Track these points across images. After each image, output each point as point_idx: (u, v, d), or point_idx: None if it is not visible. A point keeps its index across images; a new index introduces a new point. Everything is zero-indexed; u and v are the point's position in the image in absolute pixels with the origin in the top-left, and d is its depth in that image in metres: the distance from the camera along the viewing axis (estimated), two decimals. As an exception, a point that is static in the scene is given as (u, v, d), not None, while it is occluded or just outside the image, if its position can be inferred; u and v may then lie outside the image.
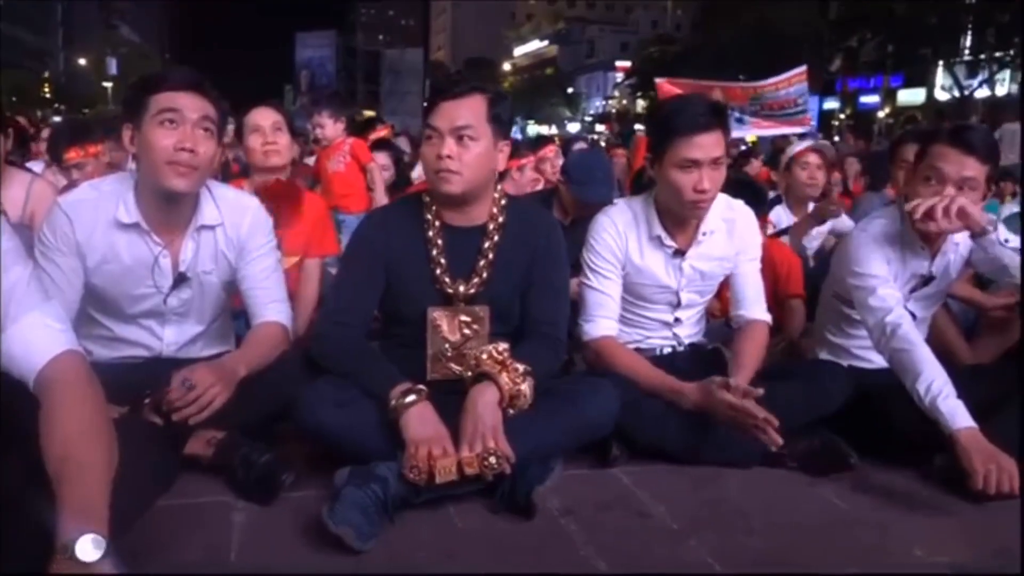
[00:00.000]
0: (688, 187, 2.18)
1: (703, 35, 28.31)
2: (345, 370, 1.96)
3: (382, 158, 4.77)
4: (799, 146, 4.01)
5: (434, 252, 2.05)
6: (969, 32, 21.39)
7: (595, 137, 30.50)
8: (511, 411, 1.89)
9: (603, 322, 2.31)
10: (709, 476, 2.12)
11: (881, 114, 27.73)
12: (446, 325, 2.07)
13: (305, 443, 2.01)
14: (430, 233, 2.06)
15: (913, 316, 2.39)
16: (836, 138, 18.25)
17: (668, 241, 2.31)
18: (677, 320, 2.41)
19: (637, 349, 2.36)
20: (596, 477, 2.10)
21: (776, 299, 2.99)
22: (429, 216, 2.08)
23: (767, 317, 2.40)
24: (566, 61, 62.12)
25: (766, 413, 1.99)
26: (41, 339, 1.38)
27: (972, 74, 22.44)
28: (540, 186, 4.20)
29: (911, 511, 1.98)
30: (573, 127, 51.05)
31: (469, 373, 1.93)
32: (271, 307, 2.17)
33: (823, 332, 2.61)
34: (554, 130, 48.34)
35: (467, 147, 1.95)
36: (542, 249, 2.09)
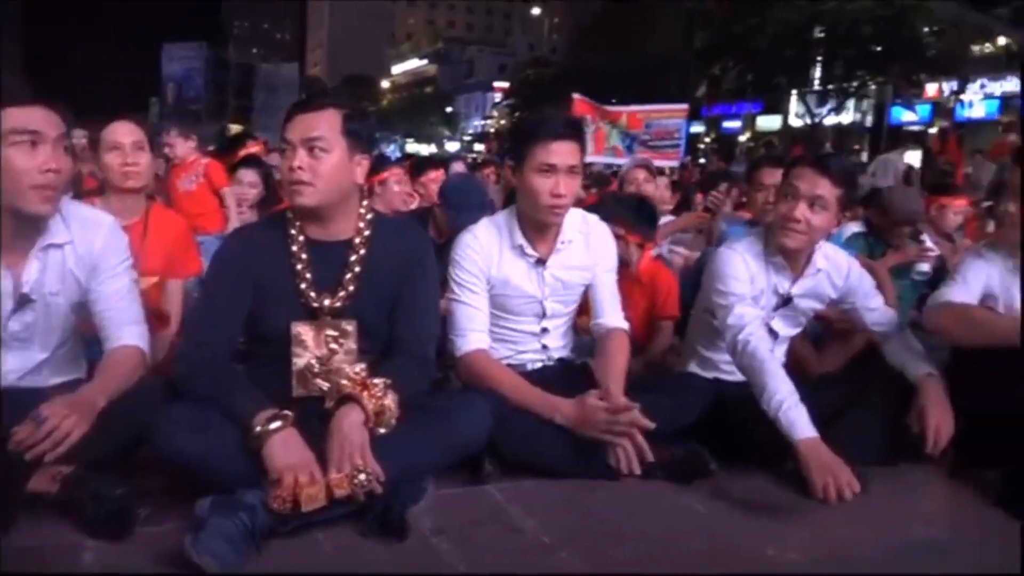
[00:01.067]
0: (546, 191, 2.27)
1: (578, 59, 29.14)
2: (208, 394, 1.88)
3: (250, 175, 4.62)
4: (626, 165, 4.34)
5: (299, 266, 2.01)
6: (819, 64, 23.02)
7: (474, 156, 30.77)
8: (380, 430, 1.86)
9: (474, 336, 2.33)
10: (581, 489, 2.15)
11: (742, 138, 29.35)
12: (311, 339, 2.03)
13: (163, 473, 1.90)
14: (294, 248, 2.03)
15: (775, 334, 2.55)
16: (702, 160, 19.26)
17: (529, 250, 2.39)
18: (544, 331, 2.47)
19: (508, 365, 2.39)
20: (468, 494, 2.10)
21: (650, 319, 3.11)
22: (293, 231, 2.04)
23: (625, 324, 2.49)
24: (445, 80, 62.44)
25: (647, 422, 2.08)
26: None
27: (822, 103, 24.16)
28: (415, 204, 4.19)
29: (765, 513, 2.09)
30: (452, 146, 51.22)
31: (331, 404, 1.91)
32: (127, 329, 2.06)
33: (694, 345, 2.72)
34: (433, 148, 48.45)
35: (319, 159, 1.94)
36: (412, 266, 2.09)
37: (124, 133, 2.74)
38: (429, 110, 55.21)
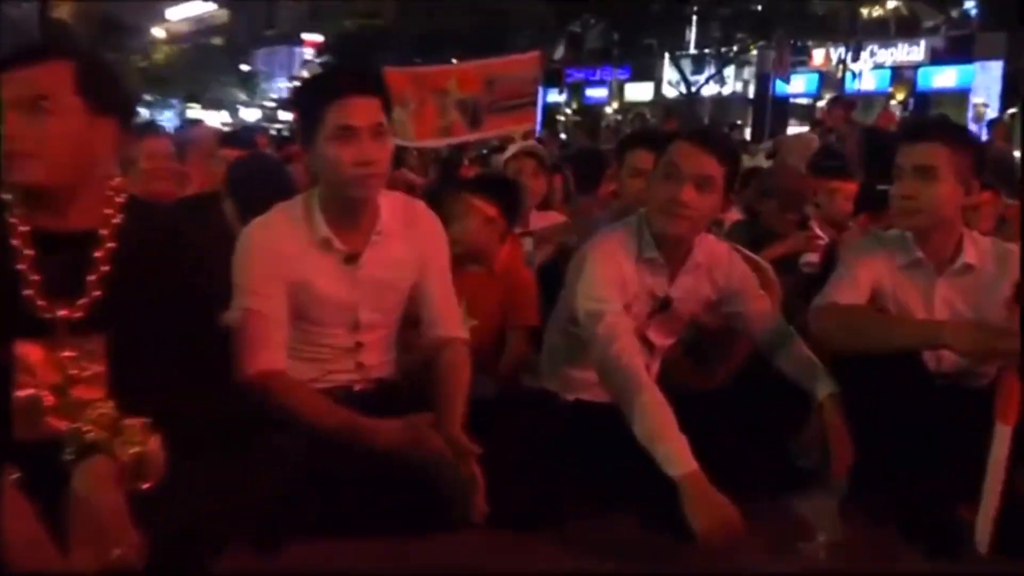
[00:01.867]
0: (347, 160, 2.23)
1: (412, 11, 29.16)
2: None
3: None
4: (511, 150, 4.27)
5: (21, 266, 1.86)
6: (693, 24, 24.34)
7: (280, 128, 30.07)
8: (143, 484, 1.75)
9: (267, 353, 2.27)
10: (410, 544, 2.14)
11: (609, 109, 30.48)
12: (41, 363, 1.88)
13: None
14: (15, 242, 1.87)
15: (651, 345, 2.62)
16: (563, 135, 19.73)
17: (338, 244, 2.35)
18: (359, 345, 2.44)
19: (316, 388, 2.34)
20: (266, 556, 2.04)
21: (501, 326, 3.12)
22: (13, 219, 1.88)
23: (464, 332, 2.51)
24: (240, 31, 60.70)
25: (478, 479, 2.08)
26: None
27: (698, 69, 25.50)
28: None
29: (635, 563, 2.15)
30: (251, 114, 49.89)
31: (69, 456, 1.77)
32: None
33: (554, 360, 2.75)
34: (225, 117, 46.92)
35: (42, 122, 1.81)
36: (184, 266, 1.98)
37: None
38: (219, 68, 53.44)
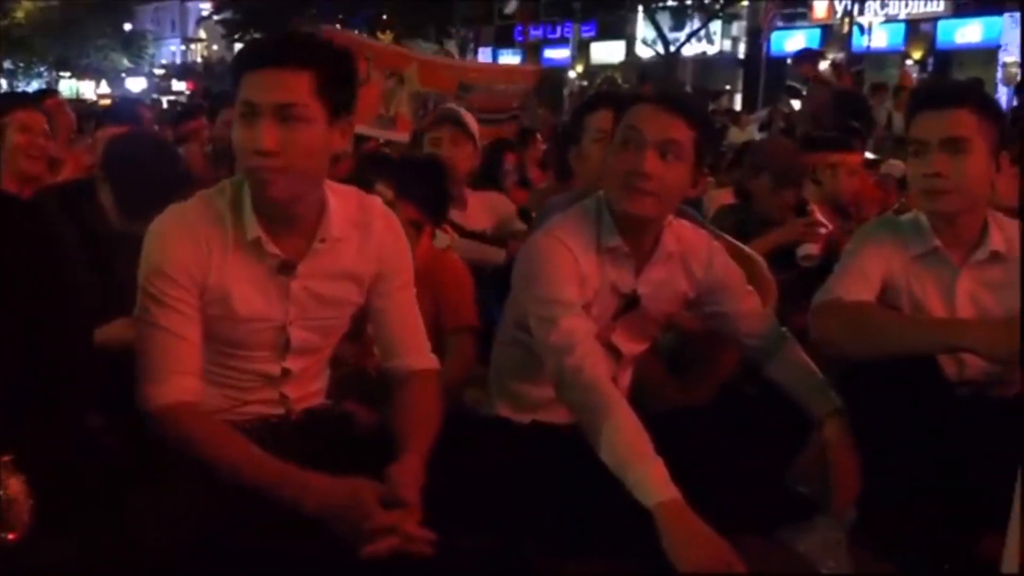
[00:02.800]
0: (246, 145, 2.17)
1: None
2: None
3: None
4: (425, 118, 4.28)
5: None
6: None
7: (173, 99, 29.71)
8: (6, 535, 1.76)
9: (179, 380, 2.22)
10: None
11: (572, 74, 30.58)
12: None
13: None
14: None
15: (618, 352, 2.65)
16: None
17: (271, 248, 2.28)
18: (286, 373, 2.40)
19: (227, 421, 2.31)
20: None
21: (438, 334, 3.11)
22: None
23: (433, 363, 2.48)
24: (121, -19, 60.04)
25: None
26: None
27: (679, 25, 25.69)
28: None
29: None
30: (136, 84, 49.27)
31: None
32: None
33: (501, 376, 2.77)
34: (105, 88, 46.28)
35: None
36: (48, 271, 1.98)
37: None
38: (95, 28, 52.67)
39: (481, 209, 4.55)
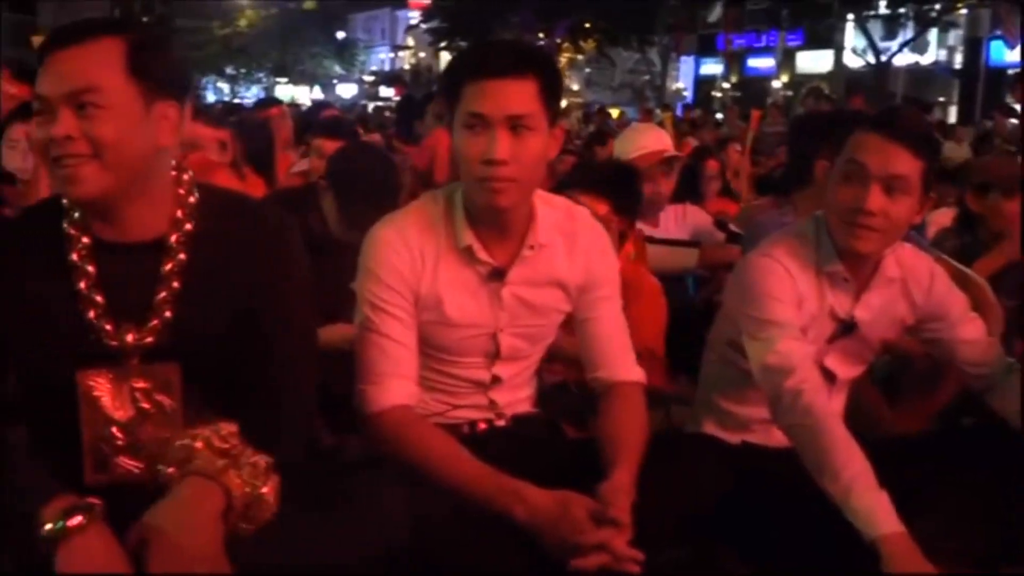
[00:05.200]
0: (474, 156, 2.19)
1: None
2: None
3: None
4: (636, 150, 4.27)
5: (82, 285, 1.94)
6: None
7: (379, 105, 30.66)
8: (245, 526, 1.82)
9: (396, 384, 2.28)
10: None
11: (776, 83, 29.99)
12: (110, 396, 1.97)
13: None
14: (74, 256, 1.95)
15: (832, 376, 2.58)
16: (719, 114, 19.51)
17: (483, 255, 2.33)
18: (496, 380, 2.44)
19: (438, 425, 2.36)
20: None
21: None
22: (73, 230, 1.96)
23: (640, 375, 2.47)
24: (335, -9, 62.29)
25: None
26: None
27: (890, 34, 24.83)
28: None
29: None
30: (347, 90, 51.06)
31: (170, 469, 1.84)
32: None
33: (709, 394, 2.73)
34: (318, 93, 48.14)
35: (92, 117, 1.85)
36: (265, 274, 2.02)
37: None
38: (310, 36, 54.88)
39: (673, 222, 4.53)
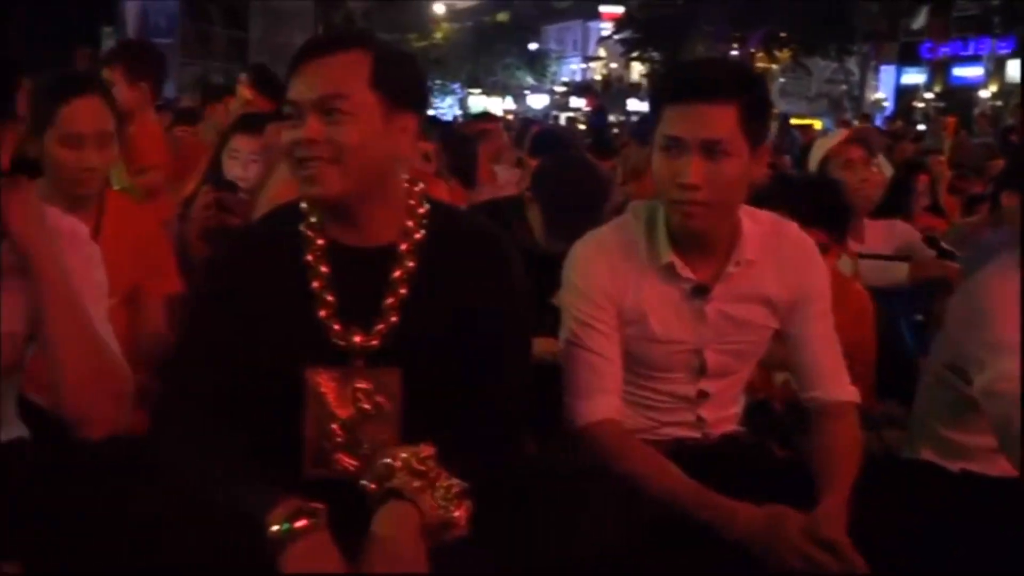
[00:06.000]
0: (669, 178, 2.21)
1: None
2: (188, 467, 1.93)
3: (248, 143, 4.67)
4: (834, 137, 4.13)
5: (315, 284, 2.03)
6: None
7: (570, 116, 30.87)
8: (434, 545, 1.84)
9: (602, 399, 2.30)
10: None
11: (984, 93, 28.68)
12: (334, 395, 2.03)
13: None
14: (309, 257, 2.04)
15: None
16: (921, 126, 18.79)
17: (684, 271, 2.32)
18: (702, 395, 2.43)
19: (644, 441, 2.35)
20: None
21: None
22: (309, 232, 2.05)
23: (854, 395, 2.42)
24: (527, 4, 62.92)
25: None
26: None
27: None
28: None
29: None
30: (538, 101, 51.50)
31: (372, 485, 1.89)
32: None
33: (927, 420, 2.65)
34: (510, 104, 48.74)
35: (338, 124, 1.93)
36: (487, 286, 2.06)
37: (87, 119, 2.71)
38: (503, 48, 55.59)
39: (880, 237, 4.38)
